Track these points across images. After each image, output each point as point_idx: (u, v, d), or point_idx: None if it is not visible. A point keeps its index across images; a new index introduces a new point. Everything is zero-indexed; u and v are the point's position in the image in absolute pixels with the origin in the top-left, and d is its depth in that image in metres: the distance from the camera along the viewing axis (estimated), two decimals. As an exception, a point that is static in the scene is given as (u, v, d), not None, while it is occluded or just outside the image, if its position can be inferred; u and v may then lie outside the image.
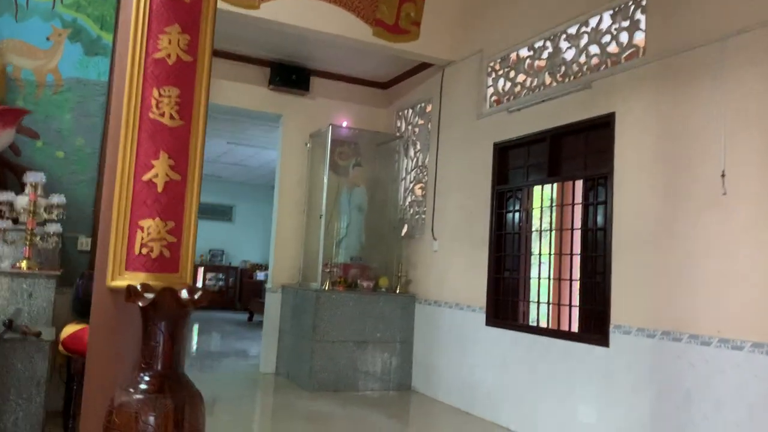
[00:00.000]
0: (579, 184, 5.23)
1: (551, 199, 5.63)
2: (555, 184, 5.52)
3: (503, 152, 6.02)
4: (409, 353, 6.99)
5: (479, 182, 6.21)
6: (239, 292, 16.18)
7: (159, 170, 2.39)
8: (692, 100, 4.22)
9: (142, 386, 2.05)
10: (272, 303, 7.55)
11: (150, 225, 2.37)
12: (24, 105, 5.15)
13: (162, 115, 2.43)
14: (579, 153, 5.25)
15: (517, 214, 5.87)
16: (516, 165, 5.95)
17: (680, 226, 4.19)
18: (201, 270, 16.23)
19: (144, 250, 2.36)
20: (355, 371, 6.72)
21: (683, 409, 4.02)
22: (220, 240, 16.54)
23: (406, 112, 7.77)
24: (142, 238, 2.36)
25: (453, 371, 6.30)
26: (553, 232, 5.59)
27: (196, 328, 12.58)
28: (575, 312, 5.13)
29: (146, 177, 2.39)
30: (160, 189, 2.39)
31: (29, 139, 5.13)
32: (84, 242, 5.21)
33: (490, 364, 5.79)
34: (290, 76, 7.50)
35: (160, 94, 2.43)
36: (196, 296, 2.11)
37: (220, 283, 16.38)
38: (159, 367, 2.08)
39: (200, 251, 16.42)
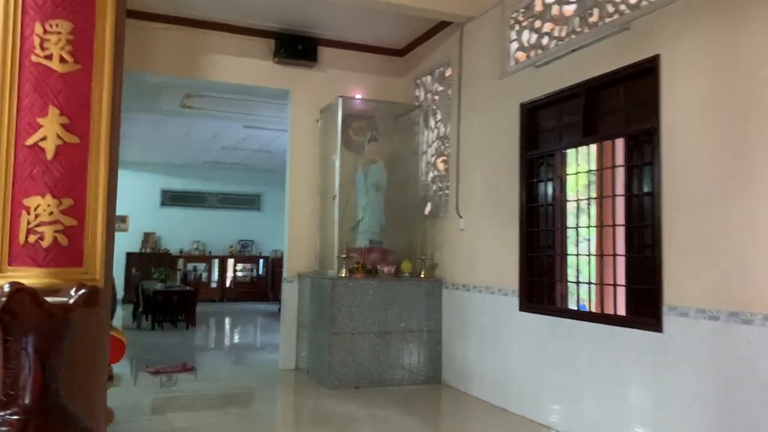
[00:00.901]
0: (620, 143, 4.49)
1: (588, 163, 4.90)
2: (592, 146, 4.78)
3: (531, 113, 5.30)
4: (437, 343, 6.36)
5: (506, 150, 5.52)
6: (270, 283, 15.80)
7: (48, 131, 1.81)
8: (755, 35, 3.45)
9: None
10: (289, 294, 7.01)
11: (39, 204, 1.80)
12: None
13: (49, 57, 1.84)
14: (619, 107, 4.50)
15: (550, 183, 5.16)
16: (546, 127, 5.22)
17: (744, 185, 3.44)
18: (231, 261, 15.91)
19: (32, 238, 1.79)
20: (378, 365, 6.13)
21: (758, 407, 3.29)
22: (250, 230, 16.18)
23: (424, 79, 7.08)
24: (29, 222, 1.79)
25: (486, 362, 5.65)
26: (593, 202, 4.86)
27: (217, 319, 12.22)
28: (621, 292, 4.42)
29: (30, 141, 1.81)
30: (50, 156, 1.81)
31: None
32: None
33: (526, 353, 5.13)
34: (296, 46, 6.89)
35: (45, 30, 1.84)
36: (72, 300, 1.51)
37: (251, 274, 16.02)
38: (25, 401, 1.49)
39: (230, 242, 16.10)
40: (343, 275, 6.22)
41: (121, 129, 2.50)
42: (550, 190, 5.16)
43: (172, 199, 15.86)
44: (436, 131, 6.82)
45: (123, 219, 15.50)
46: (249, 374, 6.83)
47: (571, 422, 4.59)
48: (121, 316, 11.73)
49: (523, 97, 5.32)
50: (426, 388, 6.15)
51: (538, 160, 5.24)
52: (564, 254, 5.03)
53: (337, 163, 6.59)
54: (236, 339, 10.10)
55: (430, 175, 6.86)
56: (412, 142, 7.11)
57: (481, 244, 5.85)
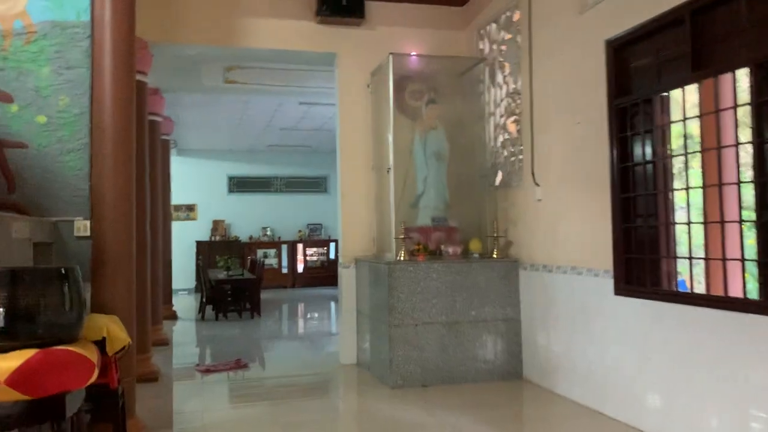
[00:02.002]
0: (743, 76, 3.44)
1: (699, 107, 3.85)
2: (702, 83, 3.74)
3: (620, 51, 4.29)
4: (515, 334, 5.47)
5: (590, 100, 4.53)
6: (341, 267, 15.21)
7: None
8: None
9: None
10: (347, 281, 6.28)
11: None
12: (-9, 62, 4.13)
13: None
14: (738, 29, 3.44)
15: (648, 136, 4.14)
16: (640, 67, 4.20)
17: None
18: (300, 246, 15.45)
19: None
20: (447, 360, 5.32)
21: None
22: (317, 213, 15.66)
23: (488, 28, 6.12)
24: None
25: (575, 356, 4.73)
26: (704, 155, 3.81)
27: (286, 307, 11.72)
28: (750, 269, 3.39)
29: None
30: None
31: (1, 103, 4.12)
32: (82, 226, 4.16)
33: (625, 346, 4.17)
34: (340, 2, 6.09)
35: None
36: None
37: (322, 258, 15.51)
38: None
39: (298, 226, 15.66)
40: (403, 258, 5.42)
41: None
42: (648, 144, 4.15)
43: (238, 185, 15.55)
44: (504, 88, 5.86)
45: (191, 207, 15.35)
46: (306, 370, 6.18)
47: (688, 435, 3.63)
48: (194, 307, 11.47)
49: (610, 32, 4.31)
50: (504, 386, 5.29)
51: (632, 108, 4.22)
52: (669, 223, 4.02)
53: (391, 131, 5.76)
54: (301, 329, 9.53)
55: (500, 139, 5.93)
56: (477, 102, 6.18)
57: (564, 215, 4.90)
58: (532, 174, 5.28)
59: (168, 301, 10.30)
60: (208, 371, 6.09)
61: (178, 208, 15.14)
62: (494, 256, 5.61)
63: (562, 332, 4.90)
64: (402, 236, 5.47)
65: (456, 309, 5.36)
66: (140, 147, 5.76)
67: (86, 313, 2.63)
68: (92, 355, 2.41)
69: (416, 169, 6.00)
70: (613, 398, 4.28)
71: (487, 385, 5.31)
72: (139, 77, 5.73)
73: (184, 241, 14.90)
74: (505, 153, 5.84)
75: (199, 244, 14.74)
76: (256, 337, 8.48)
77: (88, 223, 4.19)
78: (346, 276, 6.27)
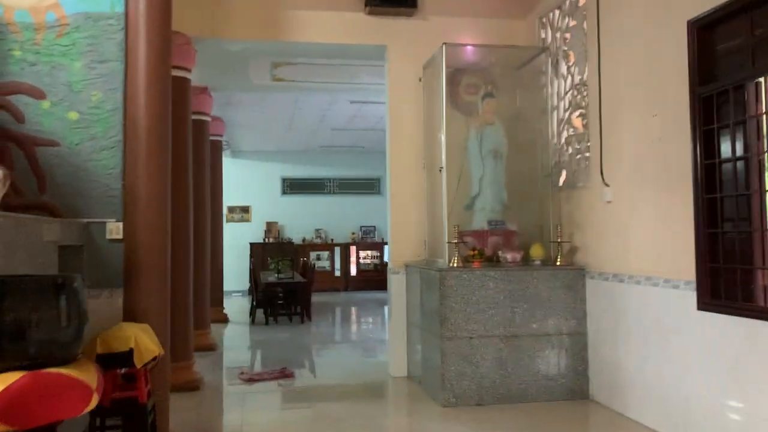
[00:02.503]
0: None
1: (804, 92, 3.31)
2: (810, 65, 3.19)
3: (705, 33, 3.76)
4: (581, 350, 4.98)
5: (669, 89, 4.02)
6: (395, 270, 14.85)
7: None
8: None
9: None
10: (396, 288, 5.90)
11: None
12: (23, 55, 3.94)
13: None
14: None
15: (738, 129, 3.60)
16: (728, 49, 3.67)
17: None
18: (353, 249, 15.17)
19: None
20: (504, 377, 4.87)
21: None
22: (370, 215, 15.35)
23: (551, 15, 5.64)
24: None
25: (649, 377, 4.21)
26: (812, 150, 3.26)
27: (337, 311, 11.43)
28: None
29: None
30: None
31: (33, 99, 3.93)
32: (114, 228, 3.93)
33: (711, 369, 3.64)
34: (390, -9, 5.73)
35: None
36: None
37: (375, 261, 15.19)
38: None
39: (351, 228, 15.40)
40: (456, 265, 5.00)
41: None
42: (738, 137, 3.61)
43: (292, 186, 15.41)
44: (569, 79, 5.37)
45: (246, 209, 15.31)
46: (353, 381, 5.83)
47: (792, 478, 3.09)
48: (247, 309, 11.33)
49: (692, 11, 3.79)
50: (568, 406, 4.80)
51: (718, 97, 3.69)
52: (765, 228, 3.47)
53: (444, 128, 5.35)
54: (351, 335, 9.20)
55: (564, 135, 5.43)
56: (539, 96, 5.70)
57: (637, 219, 4.39)
58: (601, 173, 4.78)
59: (218, 303, 10.16)
60: (251, 380, 5.82)
61: (232, 209, 15.14)
62: (558, 263, 5.12)
63: (634, 349, 4.38)
64: (455, 241, 5.05)
65: (515, 321, 4.91)
66: (182, 146, 5.55)
67: (86, 327, 2.33)
68: (90, 378, 2.11)
69: (471, 168, 5.57)
70: (697, 428, 3.75)
71: (549, 405, 4.83)
72: (181, 73, 5.53)
73: (238, 242, 14.87)
74: (570, 150, 5.34)
75: (252, 246, 14.66)
76: (305, 342, 8.21)
77: (120, 225, 3.96)
78: (396, 282, 5.90)
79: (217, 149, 10.12)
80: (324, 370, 6.57)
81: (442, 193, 5.28)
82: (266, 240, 14.93)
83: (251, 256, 14.37)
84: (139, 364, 3.46)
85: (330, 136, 12.79)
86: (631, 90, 4.46)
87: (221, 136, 10.17)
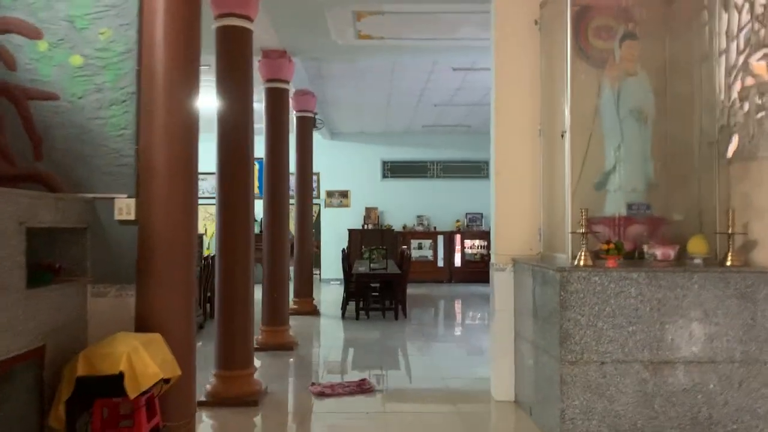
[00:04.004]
0: None
1: None
2: None
3: None
4: (761, 386, 3.54)
5: None
6: (504, 262, 13.48)
7: None
8: None
9: None
10: (501, 289, 4.68)
11: None
12: (18, -12, 3.11)
13: None
14: None
15: None
16: None
17: None
18: (458, 237, 13.95)
19: None
20: (650, 420, 3.54)
21: None
22: (477, 201, 14.04)
23: (719, -74, 4.15)
24: None
25: None
26: None
27: (439, 306, 10.26)
28: None
29: None
30: None
31: (26, 39, 3.08)
32: (125, 207, 3.02)
33: None
34: None
35: None
36: None
37: (482, 251, 13.89)
38: None
39: (456, 215, 14.20)
40: (583, 263, 3.71)
41: None
42: None
43: (392, 170, 14.41)
44: (745, 8, 3.88)
45: (344, 194, 14.52)
46: (446, 404, 4.69)
47: None
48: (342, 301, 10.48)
49: None
50: (744, 466, 3.40)
51: None
52: None
53: (568, 82, 4.03)
54: (451, 338, 8.01)
55: (736, 88, 3.95)
56: (699, 37, 4.23)
57: None
58: (800, 136, 3.31)
59: (307, 294, 9.35)
60: (322, 394, 4.82)
61: (331, 194, 14.43)
62: (728, 263, 3.70)
63: None
64: (583, 230, 3.75)
65: (666, 342, 3.56)
66: (240, 107, 4.61)
67: None
68: None
69: (604, 135, 4.22)
70: None
71: (716, 461, 3.46)
72: (237, 21, 4.59)
73: (336, 228, 14.15)
74: (747, 108, 3.86)
75: (351, 232, 13.85)
76: (395, 344, 7.14)
77: (133, 202, 3.04)
78: (501, 282, 4.67)
79: (306, 125, 9.27)
80: (413, 384, 5.47)
81: (565, 166, 3.98)
82: (365, 226, 14.06)
83: (350, 242, 13.57)
84: (132, 393, 2.51)
85: (432, 113, 11.64)
86: None
87: (312, 111, 9.30)
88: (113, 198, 3.03)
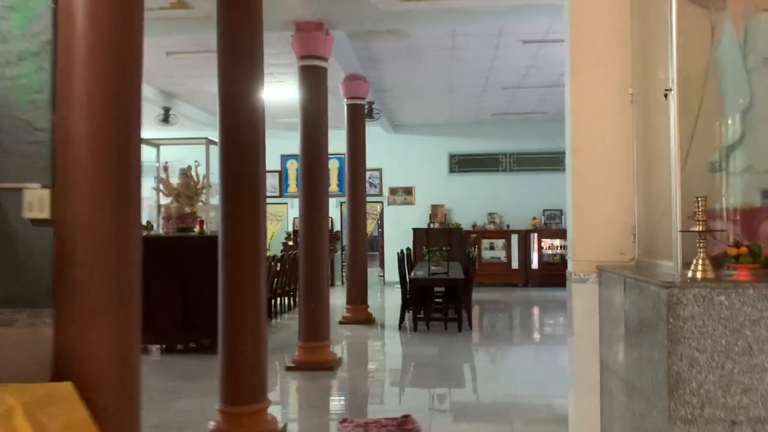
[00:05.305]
0: None
1: None
2: None
3: None
4: None
5: None
6: (587, 264, 12.15)
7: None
8: None
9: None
10: (582, 305, 3.56)
11: None
12: None
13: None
14: None
15: None
16: None
17: None
18: (534, 236, 12.73)
19: None
20: None
21: None
22: (555, 197, 12.78)
23: None
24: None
25: None
26: None
27: (512, 315, 9.10)
28: None
29: None
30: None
31: None
32: (37, 200, 2.17)
33: None
34: None
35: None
36: None
37: (562, 252, 12.63)
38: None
39: (532, 213, 12.99)
40: (701, 274, 2.57)
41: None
42: None
43: (460, 164, 13.37)
44: None
45: (409, 190, 13.60)
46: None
47: None
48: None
49: None
50: None
51: None
52: None
53: (674, 26, 2.88)
54: (523, 358, 6.88)
55: None
56: None
57: None
58: None
59: (362, 300, 8.46)
60: (354, 436, 3.88)
61: (394, 191, 13.57)
62: None
63: None
64: (699, 228, 2.61)
65: (833, 393, 2.38)
66: (252, 90, 3.73)
67: None
68: None
69: (723, 96, 3.05)
70: None
71: None
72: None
73: (400, 227, 13.29)
74: None
75: (415, 231, 12.90)
76: (454, 365, 6.10)
77: (47, 194, 2.18)
78: (582, 297, 3.56)
79: (358, 114, 8.40)
80: (469, 423, 4.43)
81: (670, 138, 2.84)
82: (431, 225, 13.07)
83: (415, 243, 12.63)
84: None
85: (502, 98, 10.51)
86: None
87: (363, 99, 8.42)
88: (21, 188, 2.18)
